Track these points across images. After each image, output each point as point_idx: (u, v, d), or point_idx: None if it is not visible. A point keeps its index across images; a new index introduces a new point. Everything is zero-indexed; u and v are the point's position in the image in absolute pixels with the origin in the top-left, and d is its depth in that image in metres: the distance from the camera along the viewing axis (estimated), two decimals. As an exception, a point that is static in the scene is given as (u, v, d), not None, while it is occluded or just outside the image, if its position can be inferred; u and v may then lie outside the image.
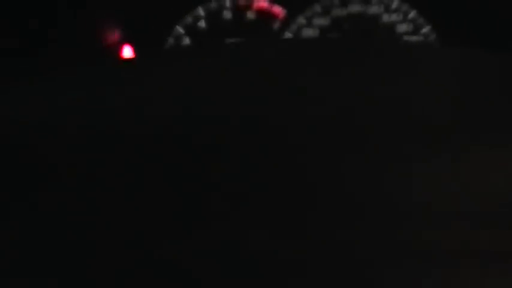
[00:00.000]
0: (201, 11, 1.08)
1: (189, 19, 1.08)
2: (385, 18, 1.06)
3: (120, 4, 1.04)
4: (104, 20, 1.07)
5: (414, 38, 1.07)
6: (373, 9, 1.06)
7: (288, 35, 1.08)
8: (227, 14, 1.08)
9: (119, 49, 1.10)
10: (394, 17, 1.06)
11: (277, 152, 0.29)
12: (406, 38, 1.07)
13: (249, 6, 1.08)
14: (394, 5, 1.06)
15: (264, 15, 1.07)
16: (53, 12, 0.96)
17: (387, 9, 1.06)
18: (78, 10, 1.01)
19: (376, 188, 0.26)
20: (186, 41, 1.09)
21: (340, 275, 0.20)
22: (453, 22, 1.05)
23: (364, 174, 0.27)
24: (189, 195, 0.26)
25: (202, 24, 1.09)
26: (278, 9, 1.08)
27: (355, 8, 1.06)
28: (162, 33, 1.09)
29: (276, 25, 1.08)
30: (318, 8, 1.07)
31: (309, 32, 1.07)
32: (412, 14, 1.06)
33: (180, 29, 1.09)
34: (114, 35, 1.09)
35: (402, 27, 1.06)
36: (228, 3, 1.08)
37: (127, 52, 1.11)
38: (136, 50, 1.10)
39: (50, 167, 0.29)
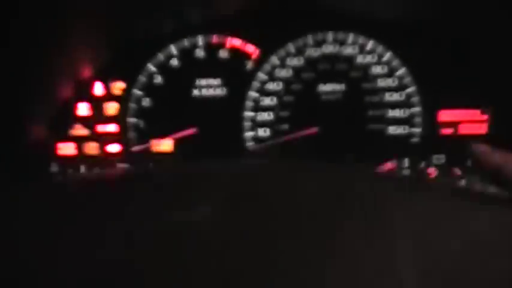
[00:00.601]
0: (173, 49, 1.07)
1: (161, 57, 1.07)
2: (360, 59, 1.05)
3: (93, 40, 1.03)
4: (78, 56, 1.06)
5: (389, 80, 1.05)
6: (348, 50, 1.05)
7: (261, 75, 1.06)
8: (200, 53, 1.07)
9: (90, 86, 1.09)
10: (368, 58, 1.05)
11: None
12: (381, 80, 1.05)
13: (222, 45, 1.06)
14: (369, 46, 1.04)
15: (237, 54, 1.06)
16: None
17: (362, 51, 1.05)
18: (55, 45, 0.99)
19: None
20: (158, 79, 1.07)
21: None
22: (428, 65, 1.04)
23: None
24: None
25: (174, 62, 1.07)
26: (251, 48, 1.06)
27: (329, 49, 1.05)
28: (133, 70, 1.08)
29: (249, 64, 1.06)
30: (291, 48, 1.05)
31: (282, 73, 1.06)
32: (387, 56, 1.04)
33: (152, 67, 1.07)
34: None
35: (377, 69, 1.05)
36: (200, 42, 1.07)
37: (98, 89, 1.09)
38: (107, 87, 1.09)
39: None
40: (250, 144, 1.07)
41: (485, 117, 1.05)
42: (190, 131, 1.06)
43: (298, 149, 1.05)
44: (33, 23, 0.84)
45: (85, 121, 1.10)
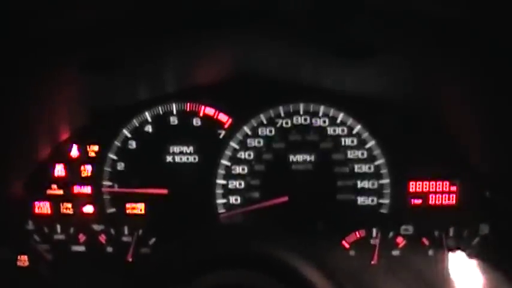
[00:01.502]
0: (147, 116, 1.09)
1: (135, 123, 1.09)
2: (330, 130, 1.06)
3: (71, 106, 1.05)
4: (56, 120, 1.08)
5: (359, 152, 1.06)
6: (319, 122, 1.06)
7: (232, 143, 1.08)
8: (173, 120, 1.09)
9: (67, 148, 1.11)
10: (339, 130, 1.06)
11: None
12: (350, 151, 1.06)
13: (195, 113, 1.08)
14: (340, 118, 1.06)
15: (210, 123, 1.08)
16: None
17: (332, 122, 1.06)
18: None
19: None
20: (132, 144, 1.09)
21: None
22: (397, 138, 1.05)
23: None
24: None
25: (148, 128, 1.09)
26: (224, 117, 1.08)
27: (300, 120, 1.07)
28: (109, 135, 1.10)
29: (222, 133, 1.08)
30: (263, 118, 1.07)
31: (253, 142, 1.07)
32: (357, 128, 1.06)
33: (126, 132, 1.09)
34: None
35: (347, 141, 1.06)
36: (174, 109, 1.08)
37: (74, 151, 1.11)
38: (82, 150, 1.11)
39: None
40: (221, 211, 1.08)
41: (454, 188, 1.06)
42: (162, 191, 1.08)
43: (268, 217, 1.07)
44: (13, 89, 0.86)
45: (61, 182, 1.12)
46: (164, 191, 1.08)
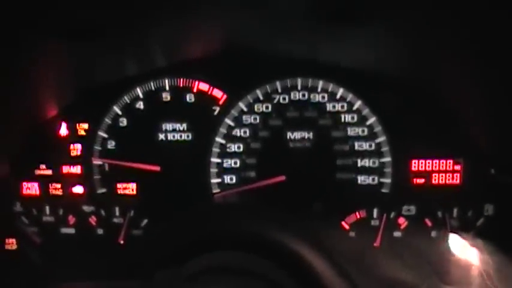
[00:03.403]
0: (139, 92, 1.04)
1: (126, 99, 1.05)
2: (330, 107, 1.02)
3: (58, 81, 1.01)
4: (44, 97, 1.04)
5: (359, 129, 1.02)
6: (317, 98, 1.02)
7: (227, 120, 1.03)
8: (166, 96, 1.04)
9: (56, 127, 1.07)
10: (338, 106, 1.02)
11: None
12: (351, 128, 1.02)
13: (189, 89, 1.04)
14: (339, 94, 1.01)
15: (204, 99, 1.03)
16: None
17: (332, 98, 1.02)
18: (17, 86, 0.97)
19: None
20: (123, 121, 1.05)
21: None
22: (399, 114, 1.01)
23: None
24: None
25: (140, 105, 1.05)
26: (219, 93, 1.04)
27: (298, 96, 1.02)
28: (99, 112, 1.05)
29: (216, 110, 1.04)
30: (259, 94, 1.03)
31: (249, 119, 1.03)
32: (357, 104, 1.01)
33: (117, 109, 1.05)
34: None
35: (347, 117, 1.02)
36: (167, 85, 1.04)
37: (63, 129, 1.07)
38: (71, 128, 1.07)
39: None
40: (216, 190, 1.04)
41: (458, 167, 1.02)
42: (155, 168, 1.03)
43: (264, 197, 1.02)
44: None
45: (50, 161, 1.07)
46: (157, 168, 1.03)
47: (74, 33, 0.78)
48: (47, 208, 1.08)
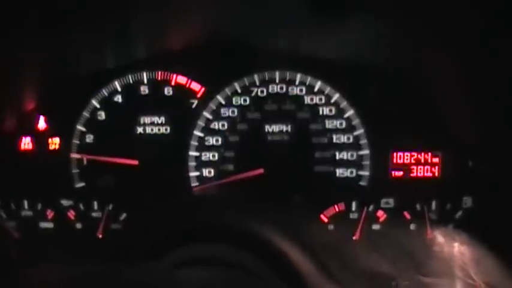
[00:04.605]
0: (117, 85, 1.04)
1: (104, 93, 1.04)
2: (308, 99, 1.02)
3: (37, 75, 1.00)
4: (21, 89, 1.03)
5: (337, 122, 1.02)
6: (295, 91, 1.02)
7: (206, 113, 1.03)
8: (144, 89, 1.04)
9: (34, 119, 1.06)
10: (316, 99, 1.02)
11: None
12: (329, 121, 1.02)
13: (167, 82, 1.03)
14: (317, 87, 1.01)
15: (182, 92, 1.03)
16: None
17: (310, 91, 1.02)
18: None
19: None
20: (102, 115, 1.05)
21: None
22: (377, 107, 1.01)
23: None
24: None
25: (118, 98, 1.04)
26: (197, 86, 1.03)
27: (276, 89, 1.02)
28: (77, 106, 1.05)
29: (194, 103, 1.03)
30: (237, 86, 1.02)
31: (227, 112, 1.03)
32: (335, 97, 1.01)
33: (95, 103, 1.05)
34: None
35: (325, 110, 1.02)
36: (145, 78, 1.04)
37: (41, 123, 1.06)
38: (49, 122, 1.06)
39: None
40: (194, 184, 1.04)
41: (436, 160, 1.02)
42: (133, 162, 1.03)
43: (243, 190, 1.02)
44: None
45: (28, 155, 1.07)
46: (135, 162, 1.03)
47: (54, 24, 0.77)
48: (26, 202, 1.07)
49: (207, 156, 1.03)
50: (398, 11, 0.74)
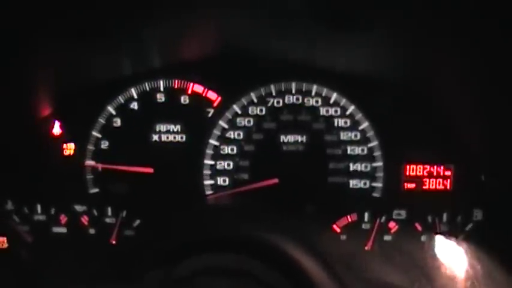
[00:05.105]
0: (133, 92, 1.04)
1: (120, 100, 1.05)
2: (323, 111, 1.03)
3: (54, 81, 1.01)
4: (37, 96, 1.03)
5: (352, 134, 1.03)
6: (311, 102, 1.03)
7: (221, 123, 1.04)
8: (160, 97, 1.04)
9: (49, 125, 1.06)
10: (332, 111, 1.03)
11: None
12: (343, 133, 1.03)
13: (183, 90, 1.04)
14: (333, 98, 1.02)
15: (199, 100, 1.04)
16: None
17: (325, 102, 1.02)
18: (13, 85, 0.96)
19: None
20: (117, 122, 1.05)
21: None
22: (392, 119, 1.02)
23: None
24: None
25: (134, 105, 1.05)
26: (213, 95, 1.04)
27: (292, 99, 1.03)
28: (93, 112, 1.05)
29: (210, 112, 1.04)
30: (253, 96, 1.03)
31: (243, 121, 1.03)
32: (350, 109, 1.02)
33: (111, 109, 1.05)
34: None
35: (340, 122, 1.03)
36: (162, 86, 1.04)
37: (57, 128, 1.07)
38: (65, 128, 1.06)
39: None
40: (209, 192, 1.04)
41: (448, 173, 1.03)
42: (148, 169, 1.04)
43: (257, 200, 1.03)
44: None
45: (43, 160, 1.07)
46: (150, 170, 1.03)
47: (71, 33, 0.77)
48: (39, 207, 1.07)
49: (222, 165, 1.04)
50: (410, 24, 0.75)
